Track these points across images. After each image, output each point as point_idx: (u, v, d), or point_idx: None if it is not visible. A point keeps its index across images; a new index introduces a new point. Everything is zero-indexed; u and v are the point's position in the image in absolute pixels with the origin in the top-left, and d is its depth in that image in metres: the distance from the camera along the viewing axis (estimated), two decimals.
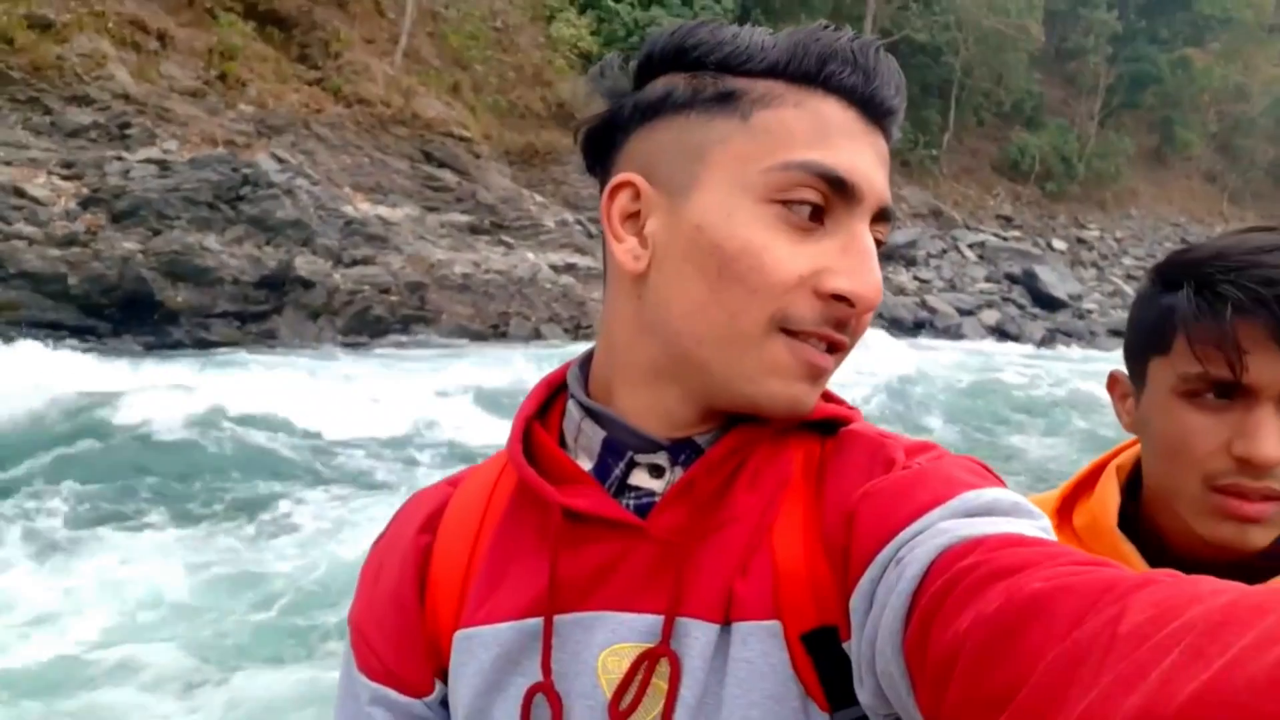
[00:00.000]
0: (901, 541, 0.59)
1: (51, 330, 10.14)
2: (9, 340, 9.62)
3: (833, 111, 0.66)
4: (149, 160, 11.90)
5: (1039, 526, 0.59)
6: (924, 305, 19.81)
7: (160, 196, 11.48)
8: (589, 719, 0.66)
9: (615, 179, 0.70)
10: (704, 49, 0.69)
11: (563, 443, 0.74)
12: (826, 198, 0.65)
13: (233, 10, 15.41)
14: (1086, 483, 1.09)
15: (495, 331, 13.43)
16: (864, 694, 0.59)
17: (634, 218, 0.70)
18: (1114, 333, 21.18)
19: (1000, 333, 19.67)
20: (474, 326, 13.17)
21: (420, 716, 0.74)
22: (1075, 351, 18.82)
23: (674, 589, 0.65)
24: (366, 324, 12.21)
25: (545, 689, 0.66)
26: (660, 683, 0.65)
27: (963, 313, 19.93)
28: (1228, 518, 0.89)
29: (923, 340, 17.64)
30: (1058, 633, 0.45)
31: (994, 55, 28.34)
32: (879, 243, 0.69)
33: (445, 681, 0.72)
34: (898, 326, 18.13)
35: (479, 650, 0.70)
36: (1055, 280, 22.70)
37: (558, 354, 12.70)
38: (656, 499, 0.69)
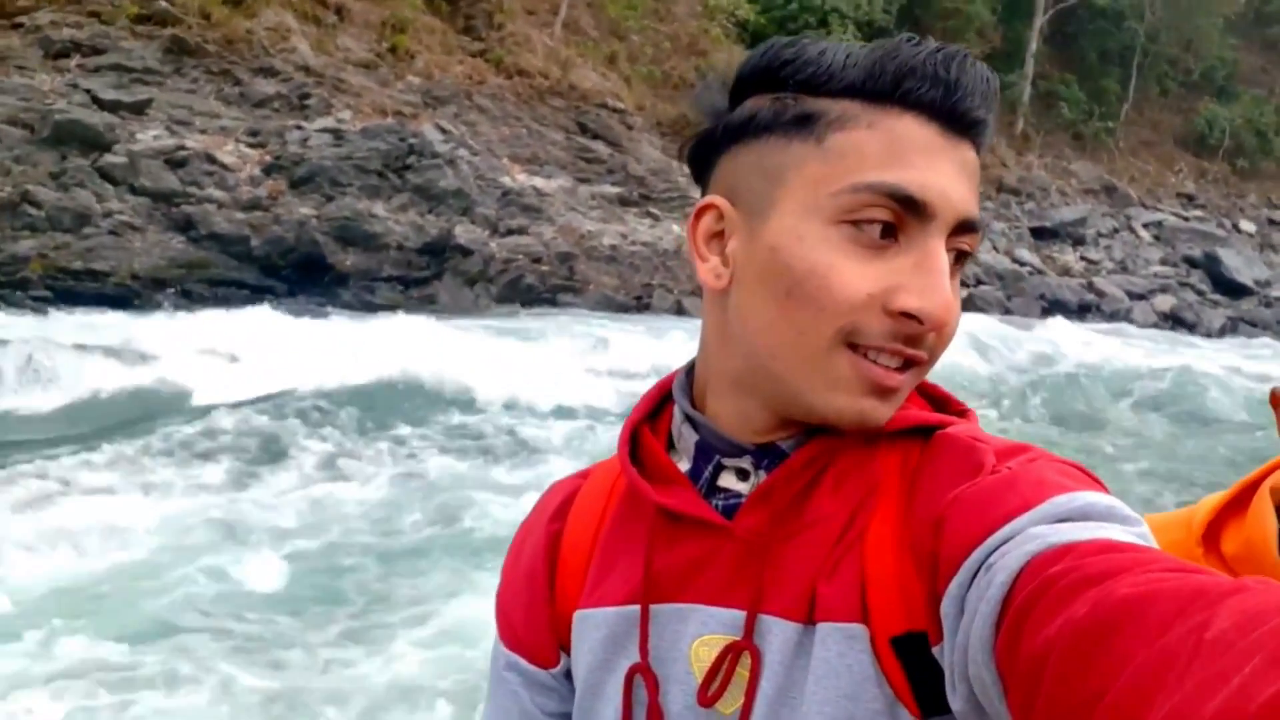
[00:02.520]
0: (990, 547, 0.59)
1: (235, 288, 10.98)
2: (193, 303, 10.52)
3: (909, 129, 0.67)
4: (325, 129, 12.63)
5: (1135, 532, 0.59)
6: (1090, 287, 18.72)
7: (334, 164, 12.18)
8: (682, 700, 0.71)
9: (701, 202, 0.75)
10: (789, 70, 0.69)
11: (671, 445, 0.79)
12: (898, 216, 0.66)
13: None
14: (1236, 504, 1.00)
15: (639, 304, 13.62)
16: (957, 700, 0.60)
17: (719, 237, 0.73)
18: None
19: (1175, 319, 18.38)
20: (619, 298, 13.40)
21: (546, 685, 0.81)
22: (1261, 343, 17.38)
23: (755, 587, 0.70)
24: (519, 292, 12.62)
25: (642, 670, 0.73)
26: (743, 673, 0.69)
27: (1134, 296, 18.71)
28: None
29: (1090, 324, 16.70)
30: (1146, 638, 0.46)
31: (1184, 19, 26.21)
32: (965, 254, 0.70)
33: (570, 655, 0.80)
34: (1060, 309, 17.23)
35: (591, 630, 0.76)
36: (1241, 264, 20.95)
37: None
38: (743, 500, 0.73)
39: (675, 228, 15.25)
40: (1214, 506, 1.01)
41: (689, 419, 0.76)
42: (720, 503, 0.74)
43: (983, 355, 11.95)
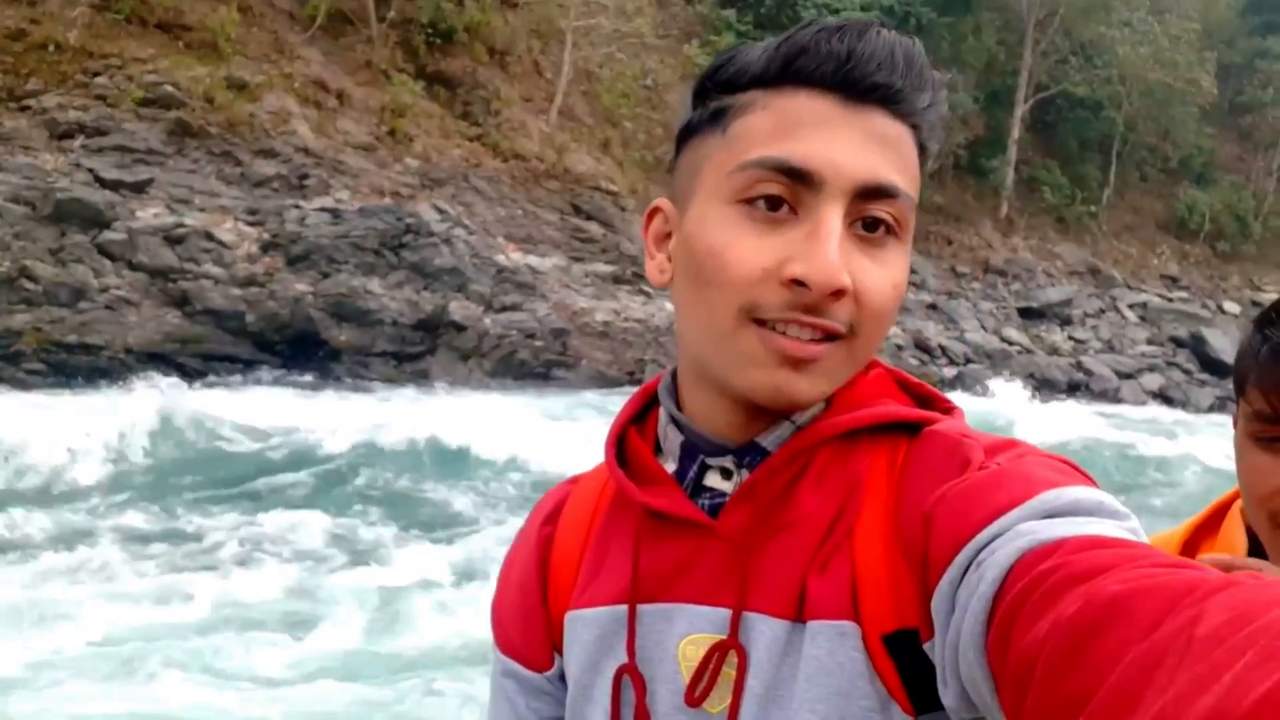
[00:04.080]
0: (980, 543, 0.59)
1: (229, 363, 11.01)
2: (192, 379, 10.53)
3: (800, 104, 0.67)
4: (323, 209, 12.85)
5: (1125, 527, 0.59)
6: (1079, 367, 18.88)
7: (331, 242, 12.36)
8: (670, 701, 0.71)
9: (652, 204, 0.78)
10: (712, 74, 0.72)
11: (659, 447, 0.79)
12: (790, 189, 0.67)
13: (405, 71, 16.54)
14: (1210, 524, 1.08)
15: (631, 378, 13.66)
16: (948, 697, 0.60)
17: (668, 238, 0.76)
18: None
19: (1163, 398, 18.50)
20: (611, 373, 13.45)
21: (541, 689, 0.81)
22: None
23: (740, 585, 0.70)
24: (511, 367, 12.68)
25: (630, 670, 0.73)
26: (730, 672, 0.69)
27: (1121, 376, 18.87)
28: None
29: (1075, 404, 16.78)
30: (1136, 635, 0.45)
31: (1160, 109, 27.00)
32: (877, 222, 0.68)
33: (563, 657, 0.80)
34: (1050, 388, 17.34)
35: (582, 630, 0.77)
36: (1227, 345, 21.18)
37: None
38: (727, 499, 0.73)
39: (668, 305, 15.37)
40: (1189, 527, 1.10)
41: (674, 420, 0.77)
42: (706, 502, 0.74)
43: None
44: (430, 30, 17.00)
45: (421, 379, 11.88)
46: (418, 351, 12.26)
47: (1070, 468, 0.65)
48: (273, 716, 4.20)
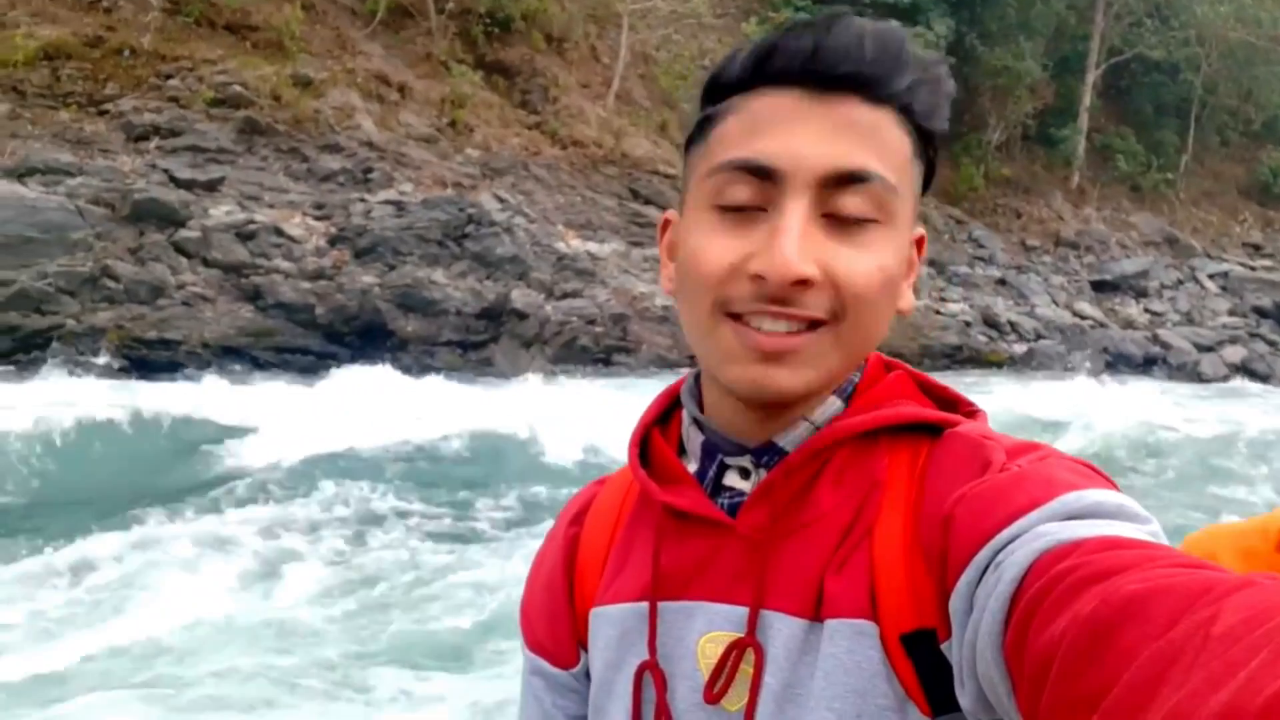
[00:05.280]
0: (998, 544, 0.59)
1: (301, 355, 11.34)
2: (259, 368, 10.88)
3: (764, 104, 0.69)
4: (387, 201, 13.11)
5: (1145, 530, 0.58)
6: (1156, 340, 18.27)
7: (396, 234, 12.61)
8: (689, 698, 0.72)
9: (663, 217, 0.82)
10: (703, 84, 0.75)
11: (682, 448, 0.81)
12: (758, 187, 0.68)
13: (464, 62, 16.72)
14: None
15: (691, 362, 13.63)
16: (965, 698, 0.60)
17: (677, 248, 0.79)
18: None
19: (1246, 371, 17.81)
20: (671, 356, 13.48)
21: (567, 686, 0.83)
22: None
23: (757, 584, 0.71)
24: (573, 353, 12.80)
25: (650, 667, 0.74)
26: (748, 669, 0.70)
27: (1201, 349, 18.20)
28: None
29: (1154, 381, 16.26)
30: (1153, 632, 0.45)
31: (1242, 70, 25.83)
32: (849, 220, 0.68)
33: (588, 654, 0.82)
34: (1126, 362, 16.85)
35: (605, 627, 0.78)
36: None
37: None
38: (746, 499, 0.75)
39: None
40: None
41: (695, 421, 0.79)
42: (725, 501, 0.75)
43: None
44: (488, 20, 17.14)
45: (486, 367, 12.08)
46: (481, 340, 12.46)
47: (1092, 471, 0.65)
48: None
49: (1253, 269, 22.70)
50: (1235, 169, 27.09)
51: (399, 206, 13.04)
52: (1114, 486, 0.63)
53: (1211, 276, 21.82)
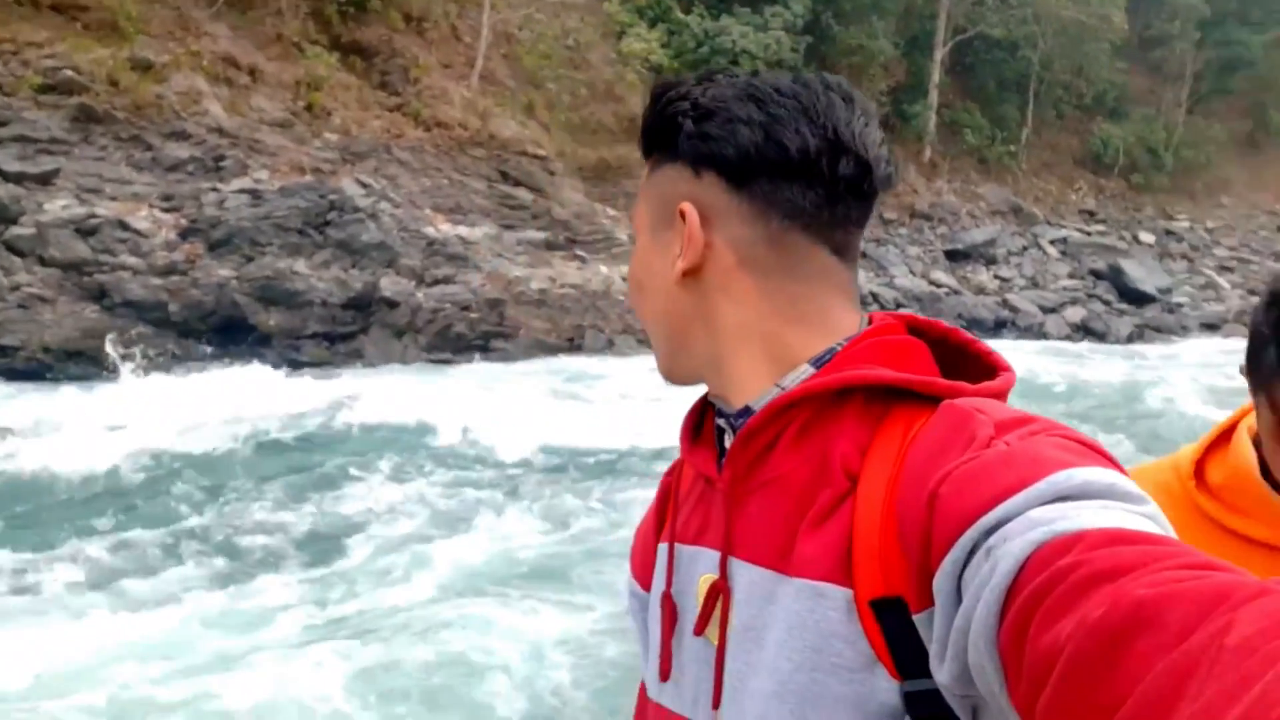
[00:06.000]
0: (986, 525, 0.59)
1: (154, 357, 10.74)
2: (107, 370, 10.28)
3: None
4: (242, 190, 12.52)
5: (1141, 512, 0.58)
6: (1005, 304, 19.41)
7: (253, 225, 12.07)
8: (689, 628, 0.82)
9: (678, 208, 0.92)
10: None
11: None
12: None
13: (318, 43, 16.08)
14: (1219, 442, 1.17)
15: (571, 345, 13.69)
16: (942, 674, 0.61)
17: None
18: (1207, 326, 20.37)
19: (1085, 330, 19.14)
20: (550, 340, 13.46)
21: (646, 604, 0.93)
22: (1163, 348, 18.17)
23: (727, 534, 0.78)
24: (448, 341, 12.60)
25: (665, 597, 0.84)
26: (722, 607, 0.78)
27: (1045, 310, 19.45)
28: None
29: (1005, 341, 17.28)
30: (1167, 643, 0.45)
31: (1074, 47, 27.53)
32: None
33: None
34: (978, 326, 17.80)
35: (657, 559, 0.89)
36: (1143, 274, 21.95)
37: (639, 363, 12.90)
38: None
39: (603, 269, 15.40)
40: (1200, 446, 1.19)
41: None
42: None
43: None
44: None
45: (356, 359, 11.76)
46: (350, 331, 12.10)
47: (1084, 446, 0.64)
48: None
49: (1088, 234, 24.36)
50: (1070, 140, 28.91)
51: (255, 195, 12.48)
52: (1108, 461, 0.63)
53: (1052, 242, 23.30)
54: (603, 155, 18.55)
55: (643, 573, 0.93)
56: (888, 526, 0.68)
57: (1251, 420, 1.14)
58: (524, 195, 15.98)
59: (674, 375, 0.85)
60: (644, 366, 12.98)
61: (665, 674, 0.83)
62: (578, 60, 20.03)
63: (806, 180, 0.76)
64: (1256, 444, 1.12)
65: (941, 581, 0.61)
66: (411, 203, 14.27)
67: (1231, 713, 0.39)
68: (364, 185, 13.66)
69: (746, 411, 0.79)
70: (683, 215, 0.79)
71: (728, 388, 0.81)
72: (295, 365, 11.26)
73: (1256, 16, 32.15)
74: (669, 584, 0.84)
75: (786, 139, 0.75)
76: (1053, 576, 0.52)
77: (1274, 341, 0.99)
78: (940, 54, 25.29)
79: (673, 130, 0.79)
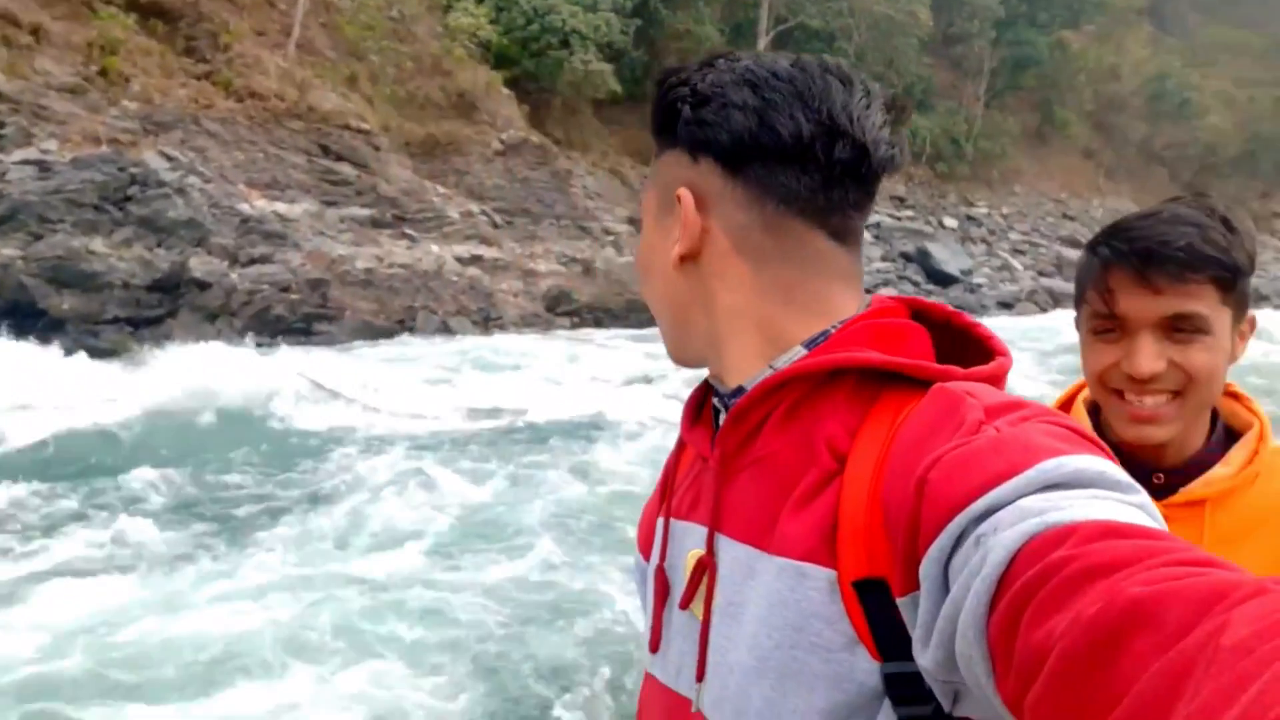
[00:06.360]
0: (975, 513, 0.58)
1: None
2: None
3: None
4: (27, 161, 11.43)
5: (1131, 501, 0.58)
6: None
7: (40, 199, 11.05)
8: (678, 601, 0.83)
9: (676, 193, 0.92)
10: None
11: None
12: None
13: (113, 3, 14.82)
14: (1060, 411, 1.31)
15: (402, 326, 13.33)
16: (925, 659, 0.61)
17: None
18: (1003, 304, 22.12)
19: None
20: (379, 322, 13.06)
21: (647, 575, 0.96)
22: None
23: (713, 509, 0.79)
24: (266, 324, 11.99)
25: (658, 571, 0.86)
26: (707, 584, 0.80)
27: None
28: (1131, 421, 1.18)
29: None
30: (1163, 643, 0.44)
31: (885, 40, 29.11)
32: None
33: None
34: None
35: (654, 532, 0.91)
36: (947, 257, 23.58)
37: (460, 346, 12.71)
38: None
39: (434, 248, 15.03)
40: None
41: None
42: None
43: None
44: None
45: (163, 344, 10.98)
46: (156, 315, 11.29)
47: (1075, 433, 0.64)
48: None
49: (899, 219, 25.89)
50: None
51: (42, 167, 11.41)
52: (1099, 449, 0.63)
53: (866, 226, 24.58)
54: (430, 131, 18.07)
55: (645, 546, 0.96)
56: (874, 509, 0.68)
57: (1086, 393, 1.28)
58: (347, 170, 15.37)
59: (679, 357, 0.87)
60: (459, 347, 12.78)
61: (655, 645, 0.86)
62: (403, 32, 19.40)
63: (801, 165, 0.76)
64: (1093, 413, 1.27)
65: (928, 567, 0.61)
66: (223, 177, 13.44)
67: (1228, 714, 0.39)
68: (169, 158, 12.75)
69: (739, 391, 0.80)
70: (679, 200, 0.79)
71: (724, 369, 0.82)
72: (95, 352, 10.40)
73: (1043, 19, 35.02)
74: (663, 558, 0.86)
75: (780, 124, 0.75)
76: (1045, 570, 0.52)
77: (1090, 253, 1.20)
78: (763, 43, 26.11)
79: (673, 116, 0.80)
